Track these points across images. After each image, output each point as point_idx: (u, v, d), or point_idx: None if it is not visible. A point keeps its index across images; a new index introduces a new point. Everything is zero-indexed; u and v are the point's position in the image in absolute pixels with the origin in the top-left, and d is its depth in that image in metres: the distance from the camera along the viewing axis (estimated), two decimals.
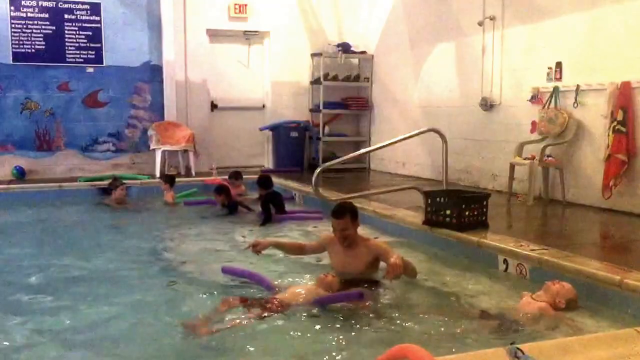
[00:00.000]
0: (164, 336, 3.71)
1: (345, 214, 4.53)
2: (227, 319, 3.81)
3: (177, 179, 8.67)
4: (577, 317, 3.78)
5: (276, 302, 4.00)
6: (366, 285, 4.38)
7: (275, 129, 10.97)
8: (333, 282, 4.24)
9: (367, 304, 4.13)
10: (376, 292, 4.35)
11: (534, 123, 7.57)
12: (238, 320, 3.78)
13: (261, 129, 11.04)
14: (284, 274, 4.92)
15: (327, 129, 11.25)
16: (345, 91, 11.49)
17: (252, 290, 4.41)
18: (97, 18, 10.12)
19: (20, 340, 3.58)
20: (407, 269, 4.45)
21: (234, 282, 4.66)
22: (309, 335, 3.68)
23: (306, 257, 5.19)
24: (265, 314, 3.85)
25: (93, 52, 10.14)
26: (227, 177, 8.44)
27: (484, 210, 5.56)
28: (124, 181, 8.44)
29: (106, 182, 8.51)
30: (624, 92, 6.41)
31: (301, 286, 4.35)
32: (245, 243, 5.04)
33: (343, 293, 4.16)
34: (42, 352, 3.44)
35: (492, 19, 8.24)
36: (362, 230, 4.87)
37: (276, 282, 4.53)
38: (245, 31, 11.02)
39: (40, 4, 9.82)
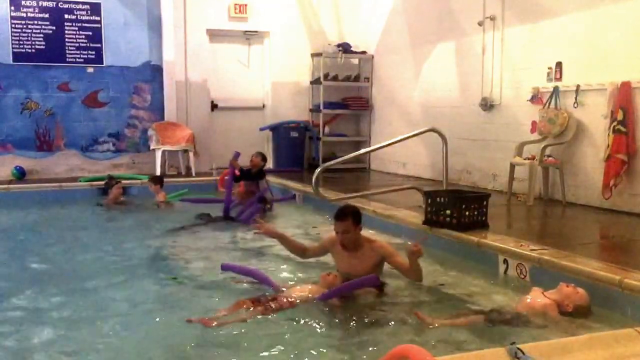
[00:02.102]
0: (169, 331, 3.74)
1: (347, 216, 4.52)
2: (235, 315, 3.83)
3: (181, 179, 8.65)
4: (577, 318, 3.76)
5: (284, 299, 4.02)
6: None
7: (275, 129, 10.97)
8: (335, 281, 4.26)
9: (381, 292, 4.19)
10: (378, 292, 4.35)
11: (534, 123, 7.57)
12: (246, 316, 3.80)
13: (261, 129, 11.04)
14: (287, 274, 4.92)
15: (327, 129, 11.25)
16: (345, 91, 11.49)
17: (257, 289, 4.40)
18: (97, 18, 10.12)
19: (21, 340, 3.58)
20: (417, 269, 4.48)
21: (235, 280, 4.67)
22: (313, 332, 3.70)
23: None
24: (273, 310, 3.88)
25: (93, 52, 10.14)
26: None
27: (484, 210, 5.56)
28: (121, 180, 8.43)
29: (103, 182, 8.53)
30: (624, 92, 6.40)
31: (305, 285, 4.35)
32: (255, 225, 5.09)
33: (358, 280, 4.18)
34: (43, 350, 3.44)
35: (492, 18, 8.24)
36: (364, 231, 4.86)
37: (278, 282, 4.52)
38: (245, 31, 11.01)
39: (40, 4, 9.82)
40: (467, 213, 5.44)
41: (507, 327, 3.59)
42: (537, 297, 3.81)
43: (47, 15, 9.87)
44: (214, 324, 3.69)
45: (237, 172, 7.78)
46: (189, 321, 3.75)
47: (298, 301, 4.04)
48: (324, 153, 10.92)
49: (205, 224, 6.95)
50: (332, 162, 6.88)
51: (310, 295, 4.12)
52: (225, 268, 4.79)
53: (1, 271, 5.11)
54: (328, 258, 4.99)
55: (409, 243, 4.52)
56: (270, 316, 3.84)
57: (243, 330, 3.65)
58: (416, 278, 4.52)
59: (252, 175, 7.99)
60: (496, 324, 3.62)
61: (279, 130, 10.94)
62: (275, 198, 8.13)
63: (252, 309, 3.90)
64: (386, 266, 4.70)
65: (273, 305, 3.94)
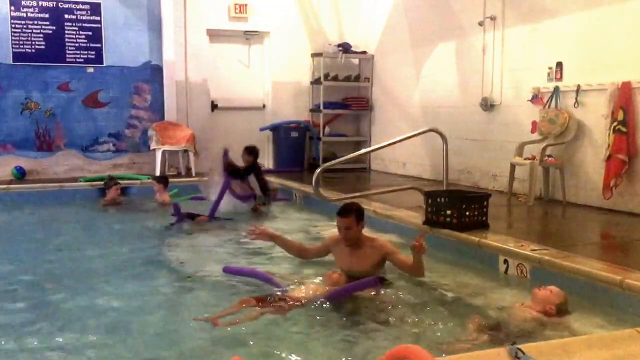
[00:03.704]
0: (175, 330, 3.75)
1: (350, 213, 4.55)
2: (241, 314, 3.84)
3: (182, 179, 8.62)
4: (577, 319, 3.75)
5: (290, 299, 4.02)
6: None
7: (276, 129, 10.97)
8: (340, 279, 4.26)
9: (382, 292, 4.19)
10: (379, 292, 4.34)
11: (534, 123, 7.56)
12: (252, 315, 3.80)
13: (261, 129, 11.04)
14: (290, 273, 4.91)
15: (327, 129, 11.26)
16: (346, 91, 11.49)
17: (262, 289, 4.40)
18: (97, 18, 10.12)
19: (21, 339, 3.57)
20: (420, 265, 4.50)
21: (238, 281, 4.66)
22: (317, 331, 3.71)
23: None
24: (279, 310, 3.88)
25: (93, 52, 10.14)
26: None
27: (485, 210, 5.55)
28: (120, 181, 8.41)
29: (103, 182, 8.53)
30: (624, 92, 6.40)
31: (310, 285, 4.34)
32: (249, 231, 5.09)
33: (360, 281, 4.17)
34: (42, 350, 3.43)
35: (493, 18, 8.24)
36: (366, 230, 4.86)
37: (282, 281, 4.51)
38: (246, 31, 11.02)
39: (40, 4, 9.82)
40: (467, 213, 5.43)
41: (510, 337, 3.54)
42: (520, 313, 3.74)
43: (47, 15, 9.87)
44: (221, 323, 3.69)
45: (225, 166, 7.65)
46: (196, 319, 3.75)
47: (304, 301, 4.04)
48: (324, 153, 10.92)
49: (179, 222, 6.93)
50: (332, 162, 6.87)
51: (315, 294, 4.12)
52: (227, 271, 4.77)
53: (1, 271, 5.09)
54: (331, 258, 4.99)
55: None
56: (277, 315, 3.84)
57: (250, 329, 3.65)
58: (418, 274, 4.54)
59: (241, 172, 7.78)
60: (501, 340, 3.55)
61: (279, 130, 10.93)
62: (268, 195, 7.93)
63: (258, 308, 3.90)
64: (388, 264, 4.70)
65: (280, 305, 3.94)
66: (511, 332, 3.61)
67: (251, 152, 7.91)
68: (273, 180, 9.10)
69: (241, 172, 7.78)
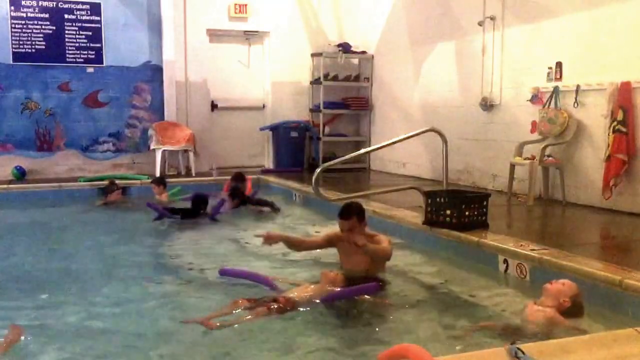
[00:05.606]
0: (169, 330, 3.74)
1: (351, 214, 4.57)
2: (235, 316, 3.83)
3: (181, 179, 8.62)
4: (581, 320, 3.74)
5: (285, 300, 4.01)
6: None
7: (275, 129, 10.97)
8: (337, 278, 4.25)
9: (386, 300, 4.16)
10: (379, 292, 4.34)
11: (534, 123, 7.57)
12: (246, 318, 3.80)
13: (261, 129, 11.04)
14: (288, 274, 4.91)
15: (327, 129, 11.25)
16: (345, 91, 11.49)
17: (256, 290, 4.39)
18: (97, 18, 10.12)
19: (25, 341, 3.57)
20: (377, 252, 4.55)
21: (236, 282, 4.65)
22: (314, 332, 3.70)
23: (308, 256, 5.19)
24: (273, 312, 3.87)
25: (93, 52, 10.14)
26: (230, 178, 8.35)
27: (484, 210, 5.56)
28: (121, 188, 8.41)
29: (106, 182, 8.54)
30: (624, 92, 6.41)
31: (307, 285, 4.34)
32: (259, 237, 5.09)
33: (358, 287, 4.15)
34: (36, 349, 3.44)
35: (492, 18, 8.24)
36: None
37: (278, 282, 4.51)
38: (245, 31, 11.02)
39: (40, 4, 9.82)
40: (467, 213, 5.44)
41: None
42: (533, 311, 3.65)
43: (47, 15, 9.87)
44: (215, 325, 3.68)
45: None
46: (187, 322, 3.75)
47: (300, 302, 4.03)
48: (324, 153, 10.91)
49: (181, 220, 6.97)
50: (332, 162, 6.86)
51: (311, 295, 4.11)
52: (223, 273, 4.74)
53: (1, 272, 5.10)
54: (329, 258, 4.99)
55: None
56: (272, 317, 3.83)
57: (245, 331, 3.65)
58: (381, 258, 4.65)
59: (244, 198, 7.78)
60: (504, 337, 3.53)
61: (279, 130, 10.93)
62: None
63: (251, 309, 3.89)
64: (388, 264, 4.71)
65: (275, 306, 3.93)
66: (519, 328, 3.56)
67: (234, 177, 8.01)
68: (272, 180, 9.11)
69: (244, 198, 7.74)
